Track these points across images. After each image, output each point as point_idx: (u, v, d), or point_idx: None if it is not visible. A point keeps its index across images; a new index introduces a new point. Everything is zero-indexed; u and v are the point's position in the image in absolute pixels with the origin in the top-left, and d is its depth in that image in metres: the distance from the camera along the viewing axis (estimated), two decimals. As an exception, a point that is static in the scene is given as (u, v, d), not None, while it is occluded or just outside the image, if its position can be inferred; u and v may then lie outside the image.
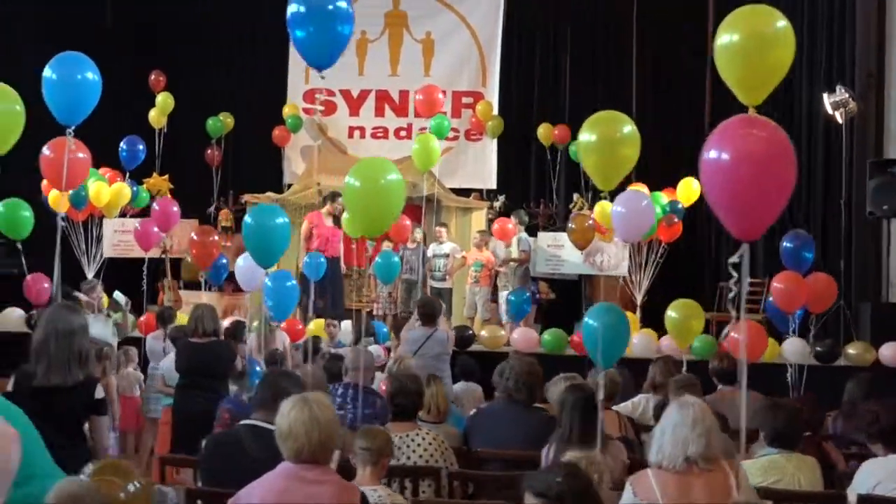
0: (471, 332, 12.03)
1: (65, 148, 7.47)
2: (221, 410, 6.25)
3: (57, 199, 12.51)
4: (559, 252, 13.66)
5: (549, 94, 16.55)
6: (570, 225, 12.24)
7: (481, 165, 15.94)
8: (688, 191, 12.52)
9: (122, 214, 13.94)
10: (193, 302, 14.28)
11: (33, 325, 12.04)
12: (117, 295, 10.86)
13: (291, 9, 6.14)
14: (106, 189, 12.75)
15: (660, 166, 14.65)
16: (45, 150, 8.18)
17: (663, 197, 12.63)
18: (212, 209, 15.40)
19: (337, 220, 12.56)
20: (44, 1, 15.85)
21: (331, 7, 6.15)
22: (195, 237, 11.19)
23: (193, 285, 14.44)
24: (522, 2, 16.28)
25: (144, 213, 13.85)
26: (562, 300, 14.64)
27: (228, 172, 16.02)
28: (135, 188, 13.56)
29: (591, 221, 12.00)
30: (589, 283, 14.51)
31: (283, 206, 13.71)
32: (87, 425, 5.12)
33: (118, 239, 14.04)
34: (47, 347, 4.97)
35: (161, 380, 8.97)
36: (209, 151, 15.92)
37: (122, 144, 13.78)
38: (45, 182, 13.63)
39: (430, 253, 13.21)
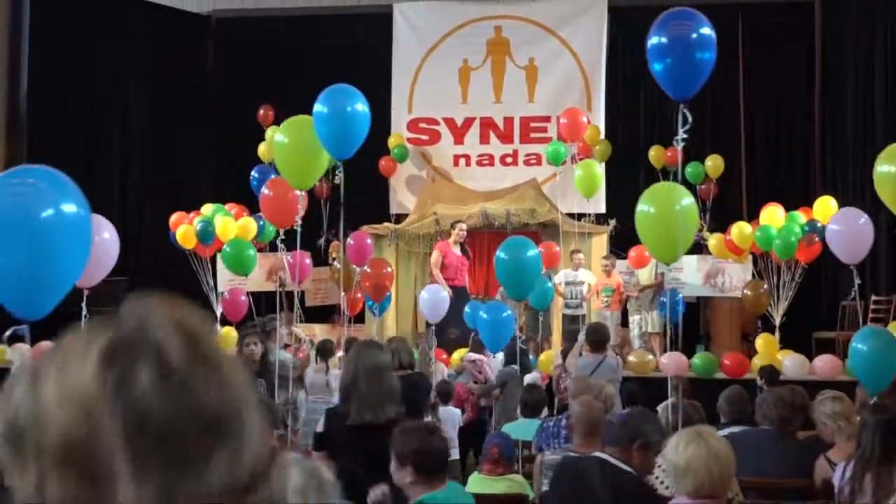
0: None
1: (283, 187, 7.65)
2: (489, 445, 6.08)
3: (186, 235, 12.68)
4: (678, 275, 13.44)
5: (656, 116, 16.33)
6: (745, 292, 12.08)
7: (589, 190, 15.76)
8: (825, 209, 12.19)
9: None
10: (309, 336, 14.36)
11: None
12: (296, 330, 10.83)
13: (652, 41, 6.28)
14: (232, 224, 12.78)
15: (771, 185, 14.47)
16: (265, 190, 8.19)
17: (801, 216, 12.30)
18: (321, 241, 15.37)
19: (463, 248, 12.48)
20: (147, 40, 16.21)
21: (694, 36, 6.25)
22: (368, 270, 11.12)
23: (316, 317, 14.47)
24: (626, 23, 16.11)
25: (272, 247, 13.97)
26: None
27: (336, 204, 15.98)
28: (261, 222, 13.58)
29: (764, 287, 12.06)
30: (707, 306, 14.24)
31: (399, 237, 13.86)
32: None
33: (232, 275, 14.10)
34: (358, 386, 4.95)
35: None
36: (318, 184, 15.90)
37: (252, 173, 13.87)
38: (173, 217, 13.91)
39: (560, 279, 13.05)
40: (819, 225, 12.03)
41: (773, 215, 12.14)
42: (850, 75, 15.57)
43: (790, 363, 11.01)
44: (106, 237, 6.67)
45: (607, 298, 12.99)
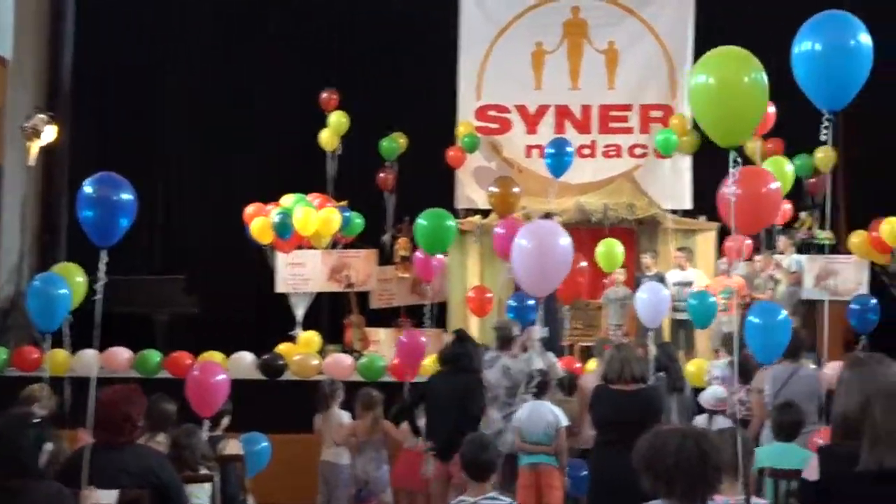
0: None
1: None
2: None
3: (262, 228, 11.51)
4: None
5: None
6: None
7: (675, 184, 14.52)
8: None
9: (334, 245, 12.88)
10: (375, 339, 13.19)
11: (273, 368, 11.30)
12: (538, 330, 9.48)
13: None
14: (314, 215, 11.58)
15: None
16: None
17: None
18: (387, 237, 14.19)
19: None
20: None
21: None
22: None
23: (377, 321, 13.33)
24: (714, 3, 14.88)
25: (363, 241, 13.07)
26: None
27: (402, 196, 14.80)
28: (346, 213, 12.38)
29: None
30: (811, 309, 13.00)
31: (485, 234, 12.62)
32: None
33: (291, 273, 12.98)
34: (872, 417, 3.51)
35: (519, 435, 7.67)
36: (382, 175, 14.73)
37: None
38: (249, 209, 12.73)
39: (669, 280, 11.83)
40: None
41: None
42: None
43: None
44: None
45: (725, 301, 11.68)
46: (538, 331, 9.21)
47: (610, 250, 11.43)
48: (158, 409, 6.40)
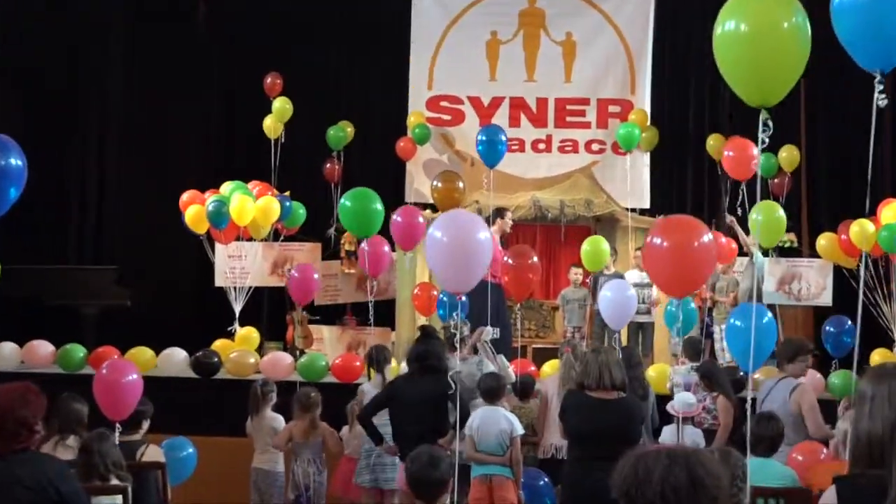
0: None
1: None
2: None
3: (197, 217, 10.80)
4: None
5: (705, 100, 14.59)
6: None
7: (632, 182, 13.97)
8: None
9: (276, 236, 12.18)
10: (318, 337, 12.56)
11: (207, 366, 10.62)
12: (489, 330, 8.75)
13: None
14: (250, 204, 10.88)
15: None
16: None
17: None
18: (332, 231, 13.51)
19: (504, 240, 10.71)
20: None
21: None
22: (511, 261, 9.07)
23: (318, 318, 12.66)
24: (676, -3, 14.41)
25: (306, 234, 12.41)
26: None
27: (349, 189, 14.10)
28: (287, 203, 11.66)
29: None
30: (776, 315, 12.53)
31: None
32: None
33: (230, 266, 12.29)
34: None
35: (472, 444, 6.97)
36: (328, 165, 14.04)
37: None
38: (184, 196, 12.01)
39: (628, 281, 11.27)
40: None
41: (896, 212, 10.42)
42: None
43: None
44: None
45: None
46: (489, 331, 8.64)
47: (596, 248, 10.84)
48: (67, 409, 5.77)
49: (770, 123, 4.36)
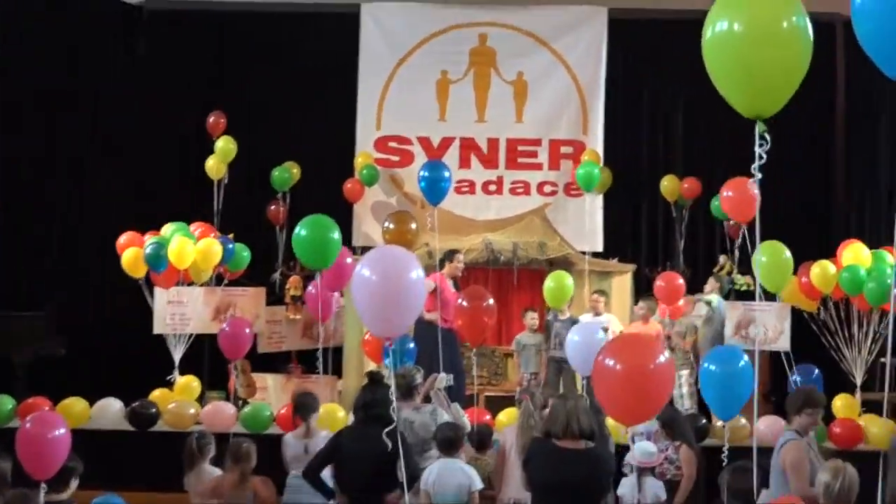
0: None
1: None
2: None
3: (134, 260, 10.30)
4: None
5: (660, 142, 14.40)
6: None
7: (585, 224, 13.70)
8: None
9: (218, 280, 11.69)
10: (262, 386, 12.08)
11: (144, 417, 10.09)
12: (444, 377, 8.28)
13: None
14: (190, 246, 10.40)
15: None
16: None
17: (889, 257, 10.33)
18: (276, 275, 13.06)
19: (457, 283, 10.35)
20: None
21: None
22: (466, 304, 8.66)
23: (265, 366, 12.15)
24: (628, 36, 14.20)
25: (250, 279, 12.01)
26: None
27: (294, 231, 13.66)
28: (230, 246, 11.17)
29: None
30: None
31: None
32: None
33: (170, 312, 11.75)
34: None
35: (427, 499, 6.52)
36: (273, 207, 13.61)
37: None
38: (122, 238, 11.50)
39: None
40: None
41: (858, 254, 10.15)
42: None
43: None
44: None
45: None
46: (443, 378, 8.22)
47: (560, 283, 10.48)
48: (-11, 468, 5.26)
49: (767, 137, 4.02)
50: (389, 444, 5.80)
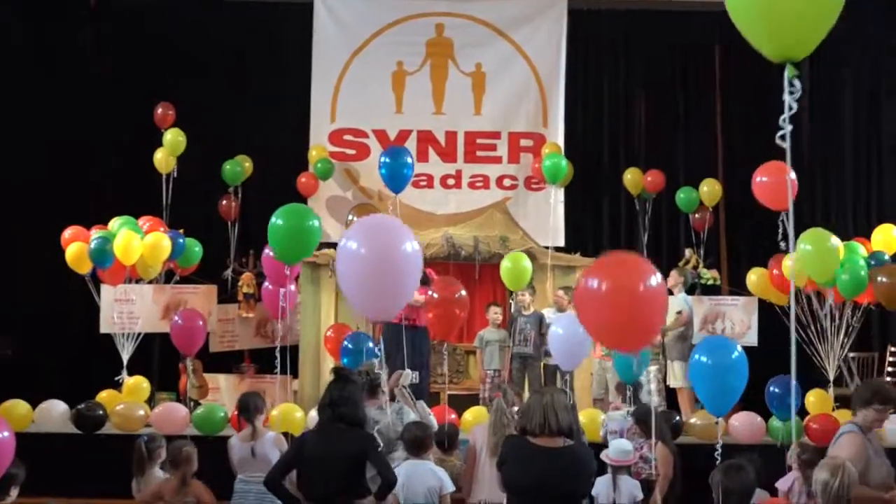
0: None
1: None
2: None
3: (78, 256, 9.82)
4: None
5: (621, 135, 14.13)
6: (880, 279, 9.68)
7: (546, 218, 13.37)
8: (888, 238, 10.11)
9: (168, 276, 11.23)
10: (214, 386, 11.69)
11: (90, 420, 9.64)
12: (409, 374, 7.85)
13: None
14: (136, 241, 9.93)
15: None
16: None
17: (861, 248, 10.12)
18: (228, 272, 12.62)
19: (425, 278, 10.00)
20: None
21: None
22: (436, 295, 8.35)
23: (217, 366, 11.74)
24: (588, 25, 13.94)
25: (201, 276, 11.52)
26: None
27: (246, 227, 13.25)
28: (180, 241, 10.71)
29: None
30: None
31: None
32: None
33: (118, 310, 11.32)
34: None
35: (394, 500, 6.11)
36: (224, 202, 13.16)
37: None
38: (66, 233, 11.00)
39: (549, 320, 10.64)
40: (886, 257, 9.93)
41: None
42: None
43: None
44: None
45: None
46: (409, 375, 7.84)
47: (517, 265, 10.16)
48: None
49: (797, 83, 3.68)
50: (378, 442, 5.41)
